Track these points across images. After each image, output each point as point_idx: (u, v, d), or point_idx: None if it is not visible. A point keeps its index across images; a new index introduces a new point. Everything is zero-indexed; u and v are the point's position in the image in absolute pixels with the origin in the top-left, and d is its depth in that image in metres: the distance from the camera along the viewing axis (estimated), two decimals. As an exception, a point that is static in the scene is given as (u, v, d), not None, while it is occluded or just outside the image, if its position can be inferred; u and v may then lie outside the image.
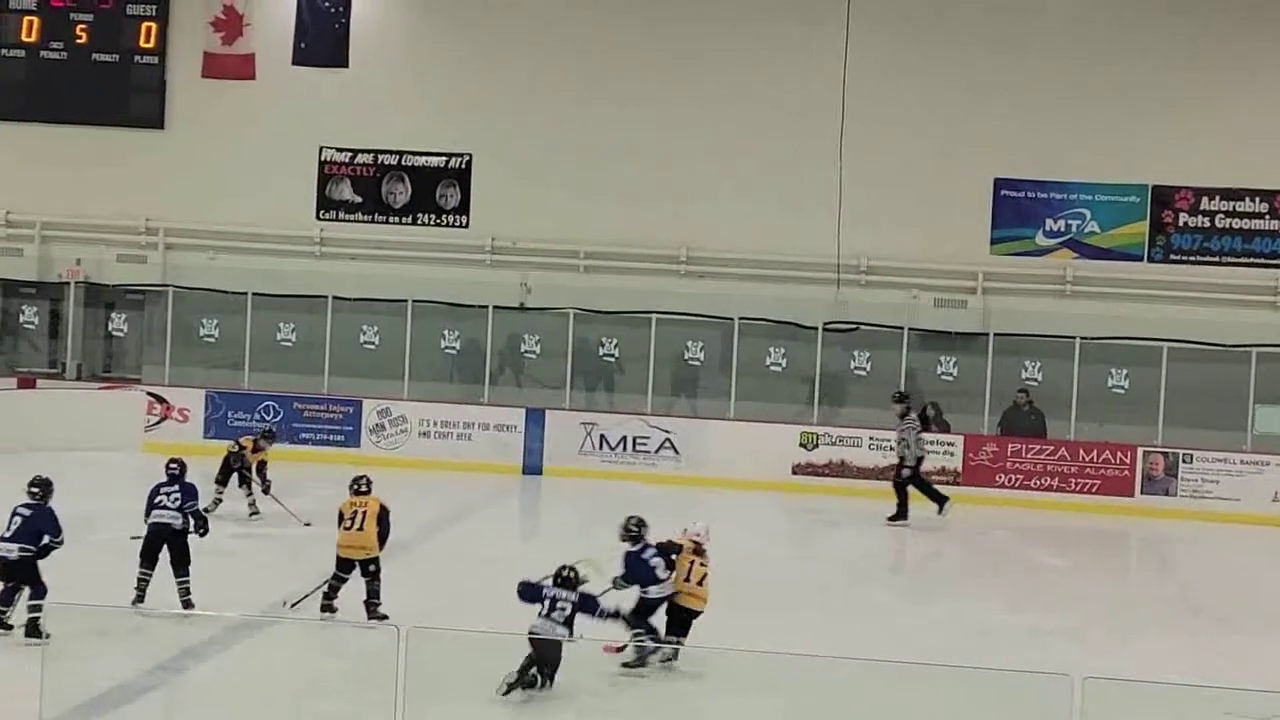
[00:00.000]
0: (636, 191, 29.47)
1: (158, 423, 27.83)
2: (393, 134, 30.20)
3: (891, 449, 25.11)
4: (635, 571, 15.18)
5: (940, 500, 24.41)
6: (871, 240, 28.96)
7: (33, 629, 14.56)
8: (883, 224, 28.88)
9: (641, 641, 14.90)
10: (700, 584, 15.35)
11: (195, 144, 30.23)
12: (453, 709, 13.20)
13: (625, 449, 27.42)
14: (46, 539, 14.86)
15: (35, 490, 15.21)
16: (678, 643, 15.01)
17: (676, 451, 27.34)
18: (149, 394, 28.08)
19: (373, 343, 29.03)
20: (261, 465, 21.71)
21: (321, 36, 30.07)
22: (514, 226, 29.68)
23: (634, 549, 15.30)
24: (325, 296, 29.01)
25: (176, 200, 30.15)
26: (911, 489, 24.41)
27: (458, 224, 30.12)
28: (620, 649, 15.12)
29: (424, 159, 30.13)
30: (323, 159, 30.25)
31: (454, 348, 29.16)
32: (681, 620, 15.28)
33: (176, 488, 16.35)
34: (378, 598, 16.22)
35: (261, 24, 30.21)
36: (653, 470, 27.12)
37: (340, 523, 16.40)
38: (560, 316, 28.95)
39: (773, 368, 28.43)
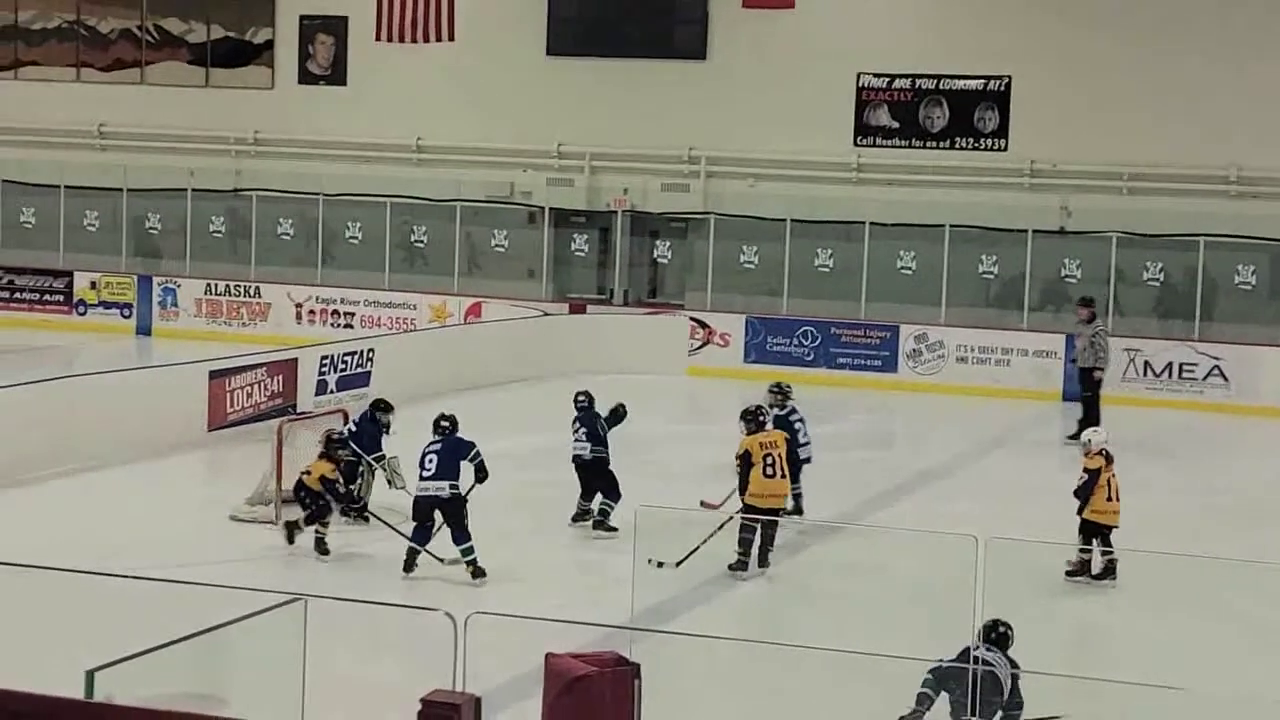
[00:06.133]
0: (1182, 110, 28.39)
1: (700, 347, 28.63)
2: (930, 58, 29.96)
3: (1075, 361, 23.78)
4: (781, 429, 15.70)
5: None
6: None
7: (475, 569, 14.49)
8: None
9: (797, 491, 16.10)
10: (1116, 499, 15.10)
11: (735, 74, 30.76)
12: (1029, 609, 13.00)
13: (1170, 376, 26.59)
14: (469, 460, 14.72)
15: (446, 425, 15.02)
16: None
17: (1226, 379, 26.33)
18: (692, 319, 28.91)
19: (909, 268, 29.03)
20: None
21: (859, -38, 30.10)
22: (1054, 149, 29.09)
23: (781, 412, 16.21)
24: (862, 222, 29.16)
25: (717, 129, 30.78)
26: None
27: (996, 147, 29.70)
28: (719, 506, 15.72)
29: (962, 82, 29.80)
30: (860, 85, 30.31)
31: (991, 273, 28.87)
32: (1098, 537, 15.03)
33: (578, 423, 16.33)
34: (773, 545, 14.99)
35: (800, -48, 30.48)
36: (1200, 399, 26.22)
37: (751, 466, 14.86)
38: (1102, 241, 28.25)
39: (1332, 292, 27.12)
